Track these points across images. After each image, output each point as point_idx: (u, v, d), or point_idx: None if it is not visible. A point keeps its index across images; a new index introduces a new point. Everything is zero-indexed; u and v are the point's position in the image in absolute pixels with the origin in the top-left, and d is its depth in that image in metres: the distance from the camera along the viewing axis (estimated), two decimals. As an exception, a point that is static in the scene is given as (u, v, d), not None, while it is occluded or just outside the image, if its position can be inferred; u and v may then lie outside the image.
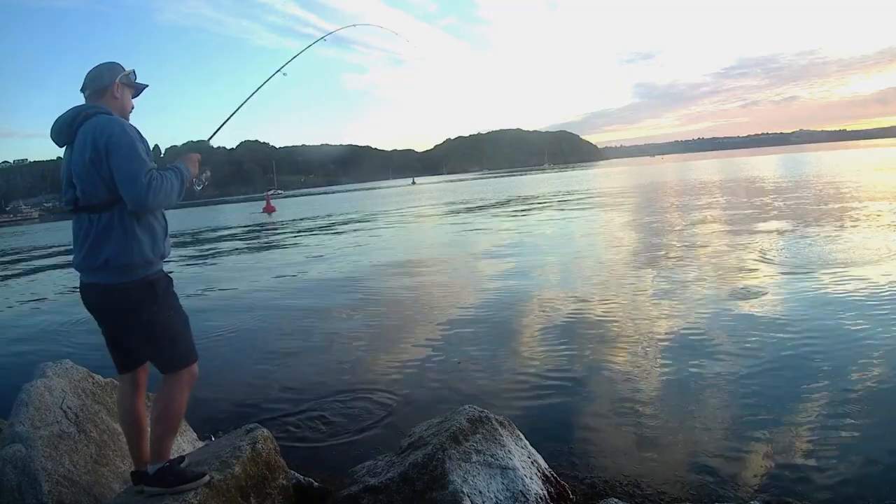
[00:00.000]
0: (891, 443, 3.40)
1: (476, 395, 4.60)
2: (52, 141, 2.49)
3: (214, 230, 30.07)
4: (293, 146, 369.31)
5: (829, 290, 6.79)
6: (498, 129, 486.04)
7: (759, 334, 5.44)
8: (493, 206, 29.30)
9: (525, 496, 2.64)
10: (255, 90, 3.39)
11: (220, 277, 12.85)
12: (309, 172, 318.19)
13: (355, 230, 22.57)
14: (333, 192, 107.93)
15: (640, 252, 10.87)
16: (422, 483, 2.60)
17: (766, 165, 51.46)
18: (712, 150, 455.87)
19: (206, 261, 16.73)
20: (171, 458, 2.53)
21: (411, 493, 2.61)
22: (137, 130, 2.40)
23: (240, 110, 3.47)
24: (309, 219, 31.74)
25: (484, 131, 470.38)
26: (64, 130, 2.42)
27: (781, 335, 5.36)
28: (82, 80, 2.51)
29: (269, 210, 42.67)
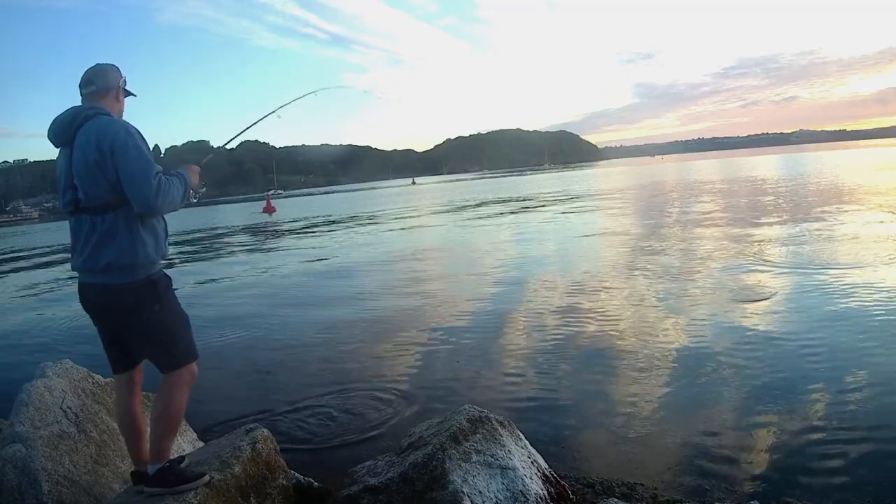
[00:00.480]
0: (891, 443, 3.40)
1: (476, 395, 4.61)
2: (49, 141, 2.48)
3: (214, 230, 30.07)
4: (293, 146, 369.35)
5: (829, 291, 6.79)
6: (498, 129, 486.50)
7: (760, 335, 5.45)
8: (493, 205, 29.29)
9: (525, 496, 2.64)
10: (249, 125, 3.44)
11: (219, 277, 12.85)
12: (309, 172, 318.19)
13: (356, 230, 22.57)
14: (333, 193, 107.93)
15: (640, 252, 10.87)
16: (422, 483, 2.60)
17: (766, 166, 51.47)
18: (712, 150, 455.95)
19: (206, 261, 16.74)
20: (171, 458, 2.52)
21: (411, 493, 2.61)
22: (139, 131, 2.40)
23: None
24: (309, 219, 31.74)
25: (484, 131, 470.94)
26: (62, 131, 2.40)
27: (782, 336, 5.37)
28: (82, 77, 2.49)
29: (269, 210, 42.66)
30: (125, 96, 2.63)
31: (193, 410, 4.33)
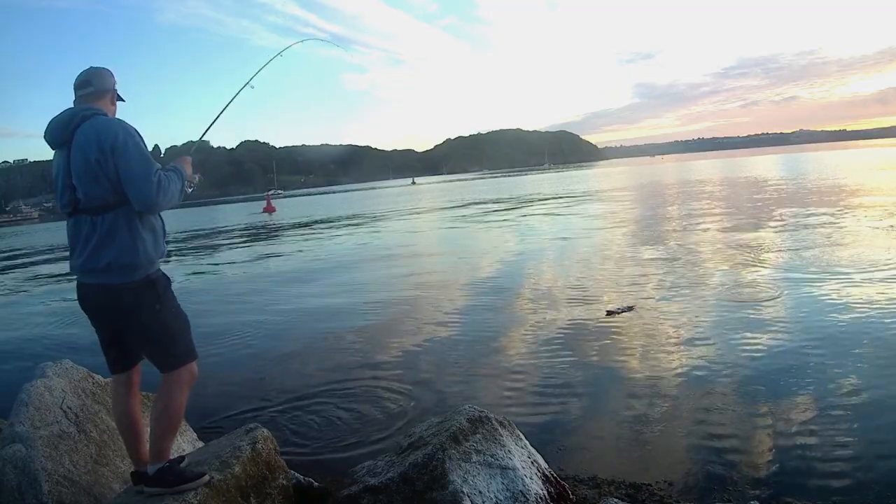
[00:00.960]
0: (891, 443, 3.40)
1: (476, 395, 4.61)
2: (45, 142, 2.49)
3: (214, 230, 30.07)
4: (293, 146, 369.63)
5: (830, 292, 6.78)
6: (498, 129, 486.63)
7: (761, 335, 5.44)
8: (493, 205, 29.29)
9: (525, 496, 2.64)
10: (226, 104, 3.37)
11: (219, 277, 12.85)
12: (309, 172, 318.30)
13: (356, 230, 22.57)
14: (333, 192, 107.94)
15: (640, 252, 10.87)
16: (422, 483, 2.60)
17: (766, 166, 51.46)
18: (712, 150, 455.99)
19: (206, 261, 16.74)
20: (171, 458, 2.53)
21: (411, 493, 2.61)
22: (137, 131, 2.41)
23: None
24: (309, 219, 31.74)
25: (484, 131, 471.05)
26: (60, 131, 2.41)
27: (783, 336, 5.36)
28: (77, 78, 2.51)
29: (269, 210, 42.66)
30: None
31: (193, 410, 4.34)
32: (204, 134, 3.40)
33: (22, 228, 76.46)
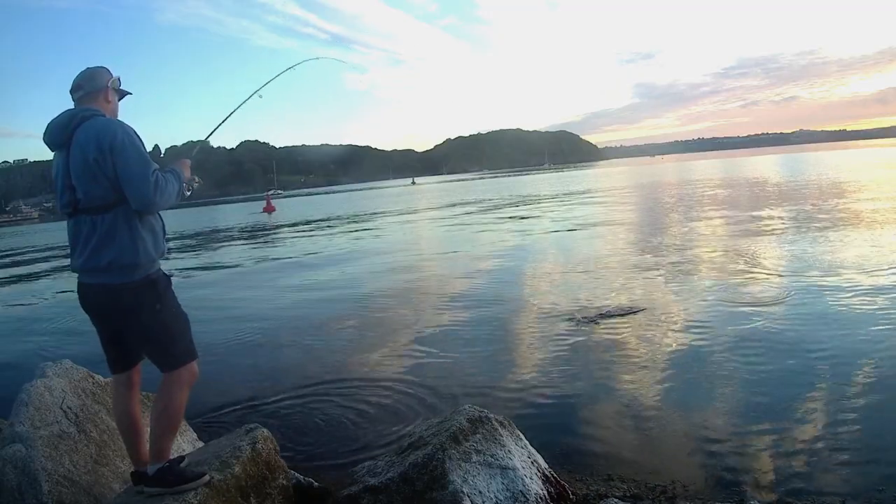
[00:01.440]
0: (891, 444, 3.40)
1: (476, 395, 4.60)
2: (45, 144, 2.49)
3: (214, 230, 30.07)
4: (293, 146, 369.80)
5: (831, 293, 6.78)
6: (498, 129, 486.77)
7: (762, 336, 5.43)
8: (493, 205, 29.29)
9: (525, 496, 2.64)
10: (232, 111, 3.38)
11: (219, 277, 12.85)
12: (309, 172, 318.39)
13: (356, 230, 22.57)
14: (333, 192, 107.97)
15: (640, 253, 10.86)
16: (422, 483, 2.60)
17: (766, 166, 51.48)
18: (712, 150, 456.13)
19: (206, 260, 16.73)
20: (171, 458, 2.53)
21: (411, 493, 2.61)
22: (135, 131, 2.42)
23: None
24: (309, 219, 31.74)
25: (484, 131, 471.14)
26: (59, 132, 2.41)
27: (784, 337, 5.35)
28: (72, 83, 2.52)
29: (269, 210, 42.68)
30: (121, 96, 2.64)
31: (193, 410, 4.34)
32: (207, 138, 3.41)
33: (22, 228, 76.49)
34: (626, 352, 5.34)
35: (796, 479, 3.13)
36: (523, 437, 3.04)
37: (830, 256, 8.79)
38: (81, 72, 2.53)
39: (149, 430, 2.54)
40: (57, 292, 12.53)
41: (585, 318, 6.51)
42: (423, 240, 17.28)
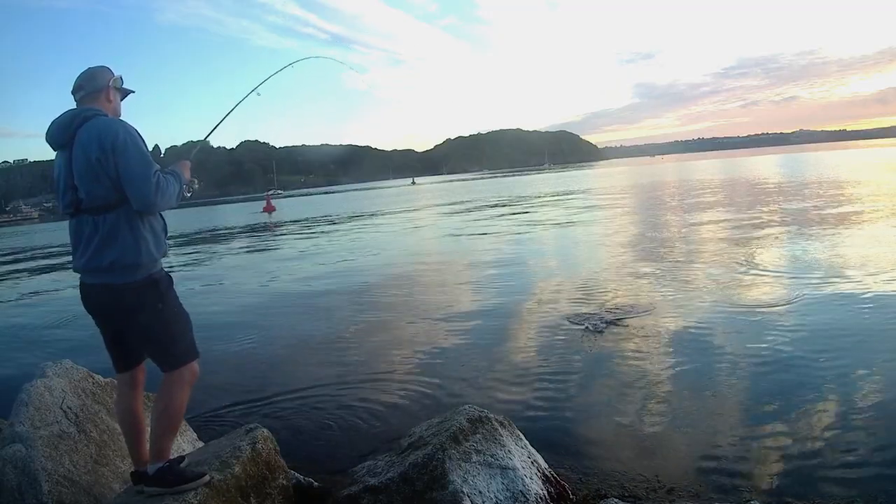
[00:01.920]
0: (891, 444, 3.40)
1: (476, 395, 4.60)
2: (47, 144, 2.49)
3: (214, 230, 30.07)
4: (293, 146, 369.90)
5: (832, 294, 6.78)
6: (498, 129, 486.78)
7: (763, 337, 5.43)
8: (494, 205, 29.30)
9: (525, 496, 2.64)
10: (230, 110, 3.35)
11: (219, 277, 12.85)
12: (309, 172, 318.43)
13: (356, 229, 22.57)
14: (333, 192, 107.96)
15: (641, 253, 10.87)
16: (422, 483, 2.60)
17: (766, 166, 51.48)
18: (712, 150, 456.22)
19: (206, 260, 16.74)
20: (171, 457, 2.53)
21: (411, 493, 2.61)
22: (137, 131, 2.42)
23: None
24: (310, 219, 31.74)
25: (484, 131, 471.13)
26: (61, 132, 2.41)
27: (784, 338, 5.35)
28: (74, 83, 2.52)
29: (269, 210, 42.67)
30: (124, 95, 2.64)
31: (194, 410, 4.34)
32: (206, 137, 3.40)
33: (22, 228, 76.47)
34: (626, 353, 5.34)
35: (797, 480, 3.13)
36: (523, 437, 3.04)
37: (833, 257, 8.79)
38: (82, 72, 2.53)
39: (149, 429, 2.54)
40: (55, 289, 12.53)
41: (586, 319, 6.51)
42: (422, 240, 17.27)
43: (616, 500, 2.81)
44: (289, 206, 53.02)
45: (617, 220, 17.53)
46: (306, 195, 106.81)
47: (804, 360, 4.73)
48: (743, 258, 9.31)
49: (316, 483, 3.13)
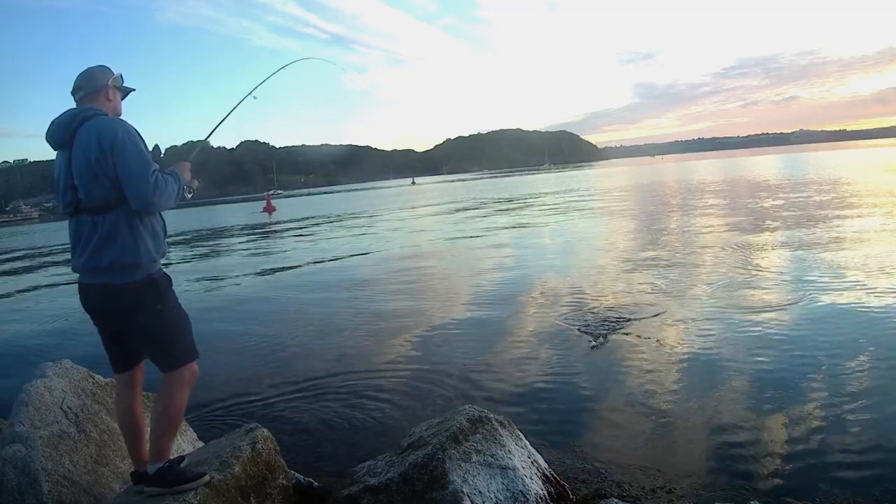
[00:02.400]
0: (891, 445, 3.40)
1: (476, 395, 4.61)
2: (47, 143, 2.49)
3: (214, 230, 30.06)
4: (293, 146, 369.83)
5: (833, 295, 6.78)
6: (498, 129, 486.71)
7: (764, 338, 5.43)
8: (494, 206, 29.29)
9: (525, 496, 2.64)
10: (228, 113, 3.36)
11: (220, 277, 12.84)
12: (309, 172, 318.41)
13: (356, 229, 22.56)
14: (333, 192, 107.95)
15: (641, 253, 10.87)
16: (422, 483, 2.60)
17: (766, 166, 51.46)
18: (712, 150, 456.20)
19: (206, 260, 16.74)
20: (171, 457, 2.53)
21: (411, 493, 2.61)
22: (137, 131, 2.42)
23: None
24: (309, 218, 31.73)
25: (484, 131, 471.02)
26: (62, 132, 2.41)
27: (787, 340, 5.34)
28: (73, 84, 2.52)
29: (269, 210, 42.67)
30: (125, 93, 2.64)
31: (193, 410, 4.35)
32: (206, 139, 3.41)
33: (22, 228, 76.44)
34: (626, 353, 5.34)
35: (797, 480, 3.13)
36: (523, 437, 3.04)
37: (835, 258, 8.78)
38: (81, 72, 2.54)
39: (149, 430, 2.54)
40: (55, 288, 12.53)
41: (587, 320, 6.51)
42: (422, 240, 17.27)
43: (616, 500, 2.81)
44: (289, 206, 53.01)
45: (617, 220, 17.52)
46: (306, 195, 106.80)
47: (804, 361, 4.73)
48: (744, 259, 9.31)
49: (316, 483, 3.13)
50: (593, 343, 5.62)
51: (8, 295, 13.22)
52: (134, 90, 2.67)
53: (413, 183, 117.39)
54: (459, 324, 6.85)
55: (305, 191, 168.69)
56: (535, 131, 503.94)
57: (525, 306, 7.44)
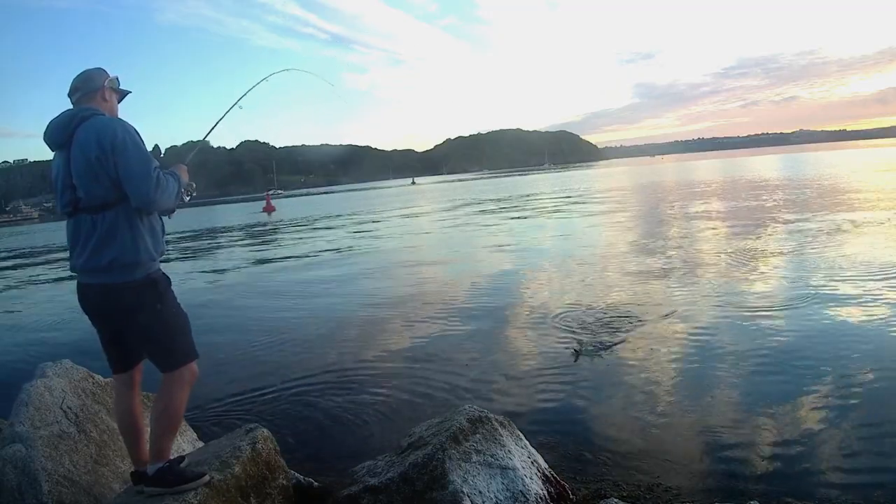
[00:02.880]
0: (892, 445, 3.40)
1: (476, 395, 4.61)
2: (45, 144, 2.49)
3: (214, 230, 30.06)
4: (293, 146, 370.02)
5: (834, 297, 6.77)
6: (498, 129, 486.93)
7: (763, 338, 5.43)
8: (495, 205, 29.29)
9: (525, 496, 2.64)
10: (217, 122, 3.36)
11: (220, 276, 12.85)
12: (309, 172, 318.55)
13: (356, 229, 22.56)
14: (333, 192, 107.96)
15: (641, 253, 10.87)
16: (422, 483, 2.60)
17: (766, 166, 51.45)
18: (712, 150, 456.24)
19: (206, 260, 16.73)
20: (171, 458, 2.52)
21: (411, 493, 2.61)
22: (136, 130, 2.42)
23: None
24: (309, 218, 31.73)
25: (484, 131, 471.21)
26: (60, 132, 2.41)
27: (785, 339, 5.35)
28: (69, 87, 2.53)
29: (268, 210, 42.68)
30: (122, 96, 2.65)
31: (193, 410, 4.35)
32: (203, 139, 3.43)
33: (22, 228, 76.45)
34: (627, 354, 5.34)
35: (797, 481, 3.13)
36: (523, 437, 3.04)
37: (836, 260, 8.77)
38: (78, 75, 2.55)
39: (149, 430, 2.54)
40: (57, 292, 12.53)
41: (587, 320, 6.51)
42: (422, 239, 17.27)
43: (616, 500, 2.81)
44: (289, 206, 53.01)
45: (618, 221, 17.52)
46: (306, 195, 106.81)
47: (805, 363, 4.73)
48: (745, 260, 9.31)
49: (316, 483, 3.13)
50: (593, 342, 5.61)
51: (8, 294, 13.22)
52: (130, 93, 2.67)
53: (413, 183, 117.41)
54: (460, 324, 6.84)
55: (305, 191, 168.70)
56: (535, 131, 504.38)
57: (525, 306, 7.44)
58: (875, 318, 5.70)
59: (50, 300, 11.68)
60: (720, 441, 3.60)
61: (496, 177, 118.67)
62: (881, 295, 6.41)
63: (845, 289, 6.82)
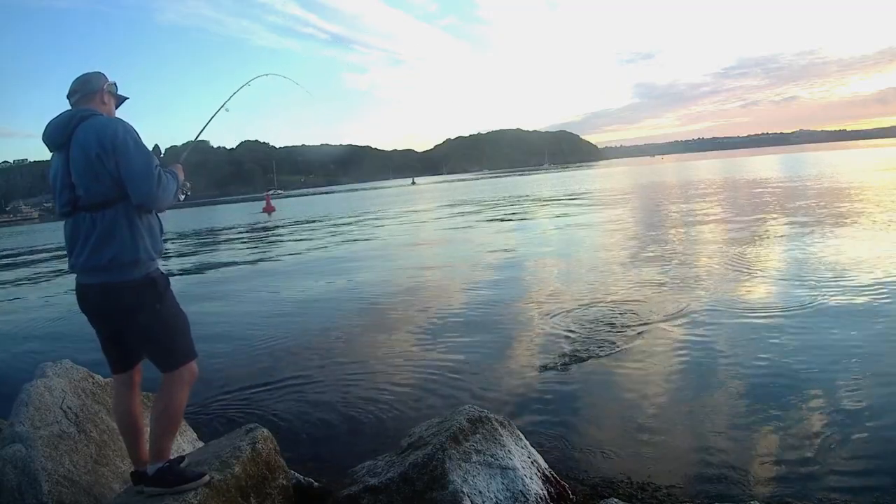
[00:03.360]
0: (891, 445, 3.40)
1: (476, 396, 4.61)
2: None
3: (214, 230, 30.06)
4: (293, 146, 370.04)
5: (834, 298, 6.76)
6: (498, 129, 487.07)
7: (762, 338, 5.42)
8: (495, 206, 29.29)
9: (525, 496, 2.64)
10: (207, 122, 3.47)
11: (220, 276, 12.85)
12: (309, 172, 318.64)
13: (356, 229, 22.56)
14: (333, 192, 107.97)
15: (642, 255, 10.86)
16: (422, 483, 2.60)
17: (767, 166, 51.45)
18: (712, 150, 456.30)
19: (206, 259, 16.73)
20: (171, 458, 2.53)
21: (411, 493, 2.61)
22: (135, 129, 2.43)
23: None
24: (309, 219, 31.73)
25: (484, 131, 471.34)
26: (59, 132, 2.42)
27: (784, 339, 5.34)
28: (68, 89, 2.54)
29: (268, 210, 42.66)
30: (119, 101, 2.67)
31: (194, 410, 4.35)
32: (194, 140, 3.46)
33: (22, 228, 76.50)
34: (627, 354, 5.34)
35: (797, 481, 3.13)
36: (523, 438, 3.04)
37: (837, 261, 8.77)
38: (76, 78, 2.57)
39: (149, 430, 2.54)
40: (57, 292, 12.53)
41: (587, 320, 6.51)
42: (422, 239, 17.27)
43: (616, 500, 2.81)
44: (289, 206, 53.01)
45: (618, 221, 17.52)
46: (306, 195, 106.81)
47: (805, 365, 4.72)
48: (745, 262, 9.31)
49: (316, 483, 3.13)
50: (593, 343, 5.61)
51: (7, 294, 13.22)
52: (128, 98, 2.70)
53: (413, 183, 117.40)
54: (460, 324, 6.84)
55: (305, 191, 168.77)
56: (535, 131, 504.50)
57: (526, 307, 7.44)
58: (876, 321, 5.69)
59: (50, 300, 11.67)
60: (720, 441, 3.60)
61: (496, 177, 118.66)
62: (882, 297, 6.41)
63: (846, 291, 6.81)
